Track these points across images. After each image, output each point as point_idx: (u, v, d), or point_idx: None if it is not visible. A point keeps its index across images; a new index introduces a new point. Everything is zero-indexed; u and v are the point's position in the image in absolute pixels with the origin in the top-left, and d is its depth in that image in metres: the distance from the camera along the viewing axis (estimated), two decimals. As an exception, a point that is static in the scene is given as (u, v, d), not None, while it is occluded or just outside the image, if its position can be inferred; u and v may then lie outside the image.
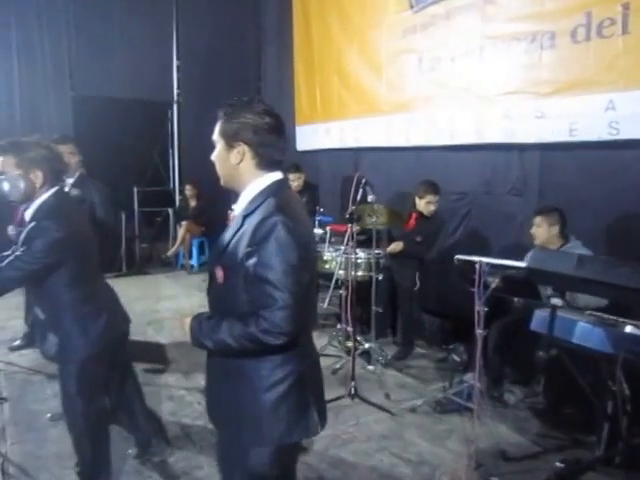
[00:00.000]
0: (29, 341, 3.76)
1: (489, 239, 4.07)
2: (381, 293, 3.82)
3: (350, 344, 3.40)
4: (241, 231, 1.31)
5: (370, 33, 5.06)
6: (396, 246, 3.86)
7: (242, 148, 1.34)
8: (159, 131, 7.25)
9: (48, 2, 5.97)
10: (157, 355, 3.78)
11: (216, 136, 1.39)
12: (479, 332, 2.61)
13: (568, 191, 3.42)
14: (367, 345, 3.75)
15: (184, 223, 6.57)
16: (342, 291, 3.64)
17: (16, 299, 3.61)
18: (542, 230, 3.02)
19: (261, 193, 1.34)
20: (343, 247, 3.53)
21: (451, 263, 2.85)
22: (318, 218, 4.36)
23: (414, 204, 3.87)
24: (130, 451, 2.46)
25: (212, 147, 1.43)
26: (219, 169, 1.41)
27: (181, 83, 7.03)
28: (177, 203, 7.18)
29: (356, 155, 5.40)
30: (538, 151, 3.65)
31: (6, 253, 1.98)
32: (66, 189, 2.63)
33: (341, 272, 3.62)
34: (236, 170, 1.37)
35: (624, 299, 2.21)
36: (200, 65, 6.86)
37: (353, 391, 3.11)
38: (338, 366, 3.56)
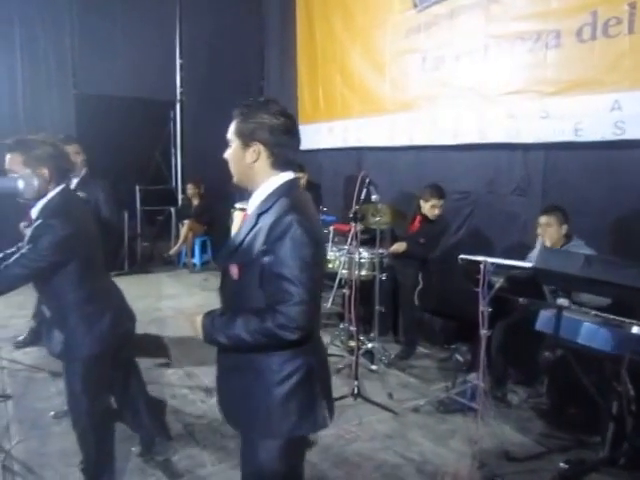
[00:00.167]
0: (35, 337, 3.76)
1: (492, 239, 4.07)
2: (384, 292, 3.82)
3: (353, 343, 3.39)
4: (256, 229, 1.35)
5: (374, 32, 5.05)
6: (399, 247, 3.86)
7: (258, 147, 1.37)
8: (161, 130, 7.25)
9: (51, 1, 5.97)
10: (160, 351, 3.79)
11: (231, 135, 1.42)
12: (483, 332, 2.61)
13: (572, 191, 3.41)
14: (370, 345, 3.74)
15: (186, 222, 6.57)
16: (345, 290, 3.64)
17: (18, 297, 3.60)
18: (553, 230, 3.01)
19: (274, 192, 1.38)
20: (346, 246, 3.53)
21: (454, 263, 2.85)
22: (321, 218, 4.36)
23: (419, 206, 3.87)
24: (134, 449, 2.47)
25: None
26: (233, 168, 1.44)
27: (184, 82, 7.03)
28: (179, 202, 7.18)
29: (359, 154, 5.40)
30: (542, 151, 3.64)
31: (10, 251, 1.98)
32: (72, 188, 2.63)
33: (344, 271, 3.61)
34: (251, 169, 1.40)
35: (631, 300, 2.20)
36: (203, 64, 6.86)
37: (356, 391, 3.11)
38: (341, 365, 3.55)
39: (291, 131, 1.40)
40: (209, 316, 1.40)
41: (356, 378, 3.15)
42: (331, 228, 4.25)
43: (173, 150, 7.35)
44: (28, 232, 1.85)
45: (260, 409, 1.38)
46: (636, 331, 2.22)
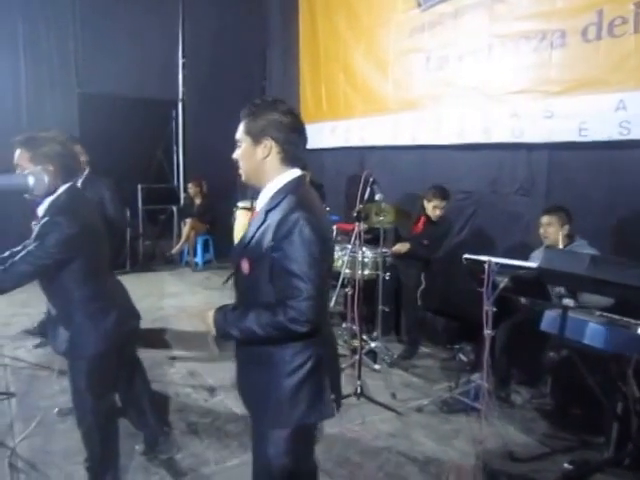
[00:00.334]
0: (42, 330, 3.75)
1: (495, 239, 4.06)
2: (387, 292, 3.82)
3: (356, 343, 3.39)
4: (265, 225, 1.38)
5: (377, 32, 5.04)
6: (402, 247, 3.85)
7: (269, 142, 1.41)
8: (164, 129, 7.25)
9: (54, 0, 5.97)
10: (162, 346, 3.79)
11: (240, 135, 1.45)
12: (487, 332, 2.60)
13: (576, 191, 3.40)
14: (373, 344, 3.74)
15: (188, 221, 6.57)
16: (348, 290, 3.63)
17: (21, 295, 3.60)
18: (554, 230, 3.00)
19: (281, 189, 1.42)
20: (350, 246, 3.52)
21: (457, 262, 2.85)
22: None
23: (423, 207, 3.86)
24: (137, 447, 2.47)
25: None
26: (244, 166, 1.47)
27: (186, 81, 7.02)
28: (181, 201, 7.18)
29: (361, 154, 5.39)
30: (546, 151, 3.64)
31: (17, 249, 1.98)
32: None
33: (347, 271, 3.61)
34: (262, 165, 1.43)
35: (637, 300, 2.19)
36: (205, 64, 6.85)
37: (359, 390, 3.10)
38: (344, 365, 3.54)
39: (299, 129, 1.43)
40: (221, 311, 1.45)
41: (359, 377, 3.14)
42: (334, 227, 4.24)
43: (175, 149, 7.35)
44: (35, 229, 1.85)
45: (272, 399, 1.42)
46: (642, 332, 2.21)
